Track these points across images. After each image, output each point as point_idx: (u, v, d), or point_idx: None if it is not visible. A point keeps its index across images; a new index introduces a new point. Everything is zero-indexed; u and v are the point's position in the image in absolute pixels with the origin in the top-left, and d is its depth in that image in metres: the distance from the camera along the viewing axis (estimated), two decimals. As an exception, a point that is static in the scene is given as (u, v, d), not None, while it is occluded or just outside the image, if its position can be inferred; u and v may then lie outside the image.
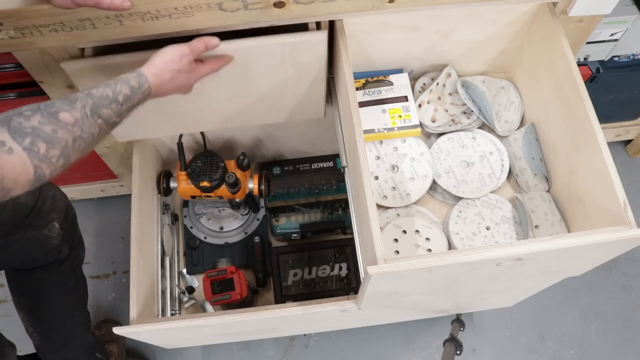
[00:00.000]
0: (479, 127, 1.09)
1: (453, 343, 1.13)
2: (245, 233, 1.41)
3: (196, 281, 1.39)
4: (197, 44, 0.81)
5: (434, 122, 1.09)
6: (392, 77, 1.08)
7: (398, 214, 1.02)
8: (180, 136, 1.22)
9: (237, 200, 1.29)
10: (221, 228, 1.41)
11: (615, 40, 1.22)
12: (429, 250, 0.99)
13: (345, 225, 1.40)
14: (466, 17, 0.96)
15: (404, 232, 0.99)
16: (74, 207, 1.13)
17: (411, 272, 0.71)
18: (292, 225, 1.40)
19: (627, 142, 1.71)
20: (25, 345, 1.14)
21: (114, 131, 0.74)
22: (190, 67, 0.81)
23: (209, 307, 1.36)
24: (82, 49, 0.90)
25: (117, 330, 0.94)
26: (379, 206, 1.02)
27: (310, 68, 0.96)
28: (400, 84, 1.08)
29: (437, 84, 1.09)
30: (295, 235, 1.40)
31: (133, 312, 1.02)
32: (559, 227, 0.96)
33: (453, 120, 1.09)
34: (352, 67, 0.88)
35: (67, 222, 1.08)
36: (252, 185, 1.24)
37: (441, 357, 1.10)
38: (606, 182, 0.80)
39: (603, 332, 1.47)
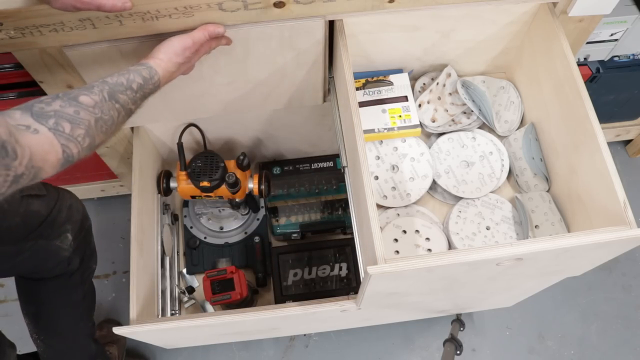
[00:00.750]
0: (479, 127, 1.09)
1: (453, 343, 1.13)
2: (245, 233, 1.41)
3: (196, 281, 1.39)
4: (200, 34, 0.82)
5: (434, 122, 1.09)
6: (392, 77, 1.08)
7: (398, 214, 1.02)
8: (180, 136, 1.22)
9: (237, 200, 1.29)
10: (221, 228, 1.41)
11: (615, 40, 1.22)
12: (429, 250, 0.99)
13: (345, 225, 1.40)
14: (466, 17, 0.96)
15: (404, 232, 0.99)
16: (89, 217, 1.12)
17: (411, 272, 0.71)
18: (292, 225, 1.40)
19: (627, 142, 1.71)
20: (25, 345, 1.14)
21: None
22: (192, 57, 0.83)
23: (209, 307, 1.36)
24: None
25: (117, 330, 0.94)
26: (379, 206, 1.02)
27: (309, 53, 0.96)
28: (400, 84, 1.08)
29: (437, 84, 1.09)
30: (295, 235, 1.40)
31: (133, 312, 1.02)
32: (559, 227, 0.96)
33: (453, 120, 1.09)
34: (352, 67, 0.88)
35: (81, 234, 1.07)
36: (252, 185, 1.24)
37: (441, 357, 1.10)
38: (606, 182, 0.80)
39: (603, 332, 1.47)
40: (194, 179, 1.18)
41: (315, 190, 1.40)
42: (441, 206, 1.05)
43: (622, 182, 0.79)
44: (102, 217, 1.60)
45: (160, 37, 0.86)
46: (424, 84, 1.12)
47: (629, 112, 1.50)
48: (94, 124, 0.63)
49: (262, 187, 1.24)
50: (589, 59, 1.29)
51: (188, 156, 1.21)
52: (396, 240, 0.99)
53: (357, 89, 1.07)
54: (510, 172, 1.05)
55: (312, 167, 1.43)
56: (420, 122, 1.07)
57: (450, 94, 1.09)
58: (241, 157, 1.21)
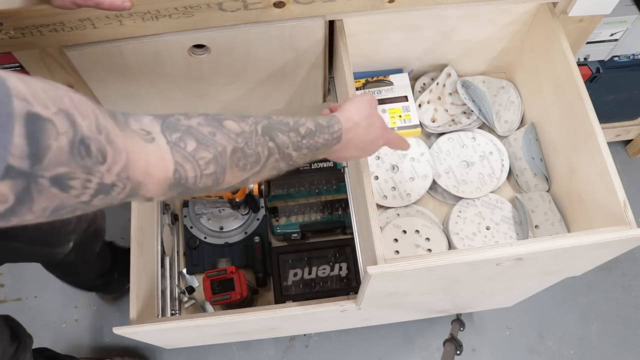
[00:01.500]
0: (479, 127, 1.09)
1: (453, 343, 1.13)
2: (245, 233, 1.41)
3: (196, 281, 1.39)
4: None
5: (434, 122, 1.09)
6: (392, 77, 1.08)
7: (398, 214, 1.02)
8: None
9: (237, 200, 1.29)
10: (221, 228, 1.41)
11: (615, 40, 1.22)
12: (429, 250, 0.99)
13: (345, 225, 1.40)
14: (466, 17, 0.96)
15: (404, 232, 0.99)
16: (99, 221, 1.13)
17: (411, 272, 0.71)
18: (292, 225, 1.40)
19: (627, 142, 1.71)
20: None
21: None
22: (380, 117, 0.72)
23: (209, 307, 1.36)
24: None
25: (117, 330, 0.94)
26: (379, 206, 1.02)
27: (309, 53, 0.96)
28: (400, 84, 1.08)
29: (437, 84, 1.09)
30: (295, 235, 1.40)
31: (133, 312, 1.02)
32: (559, 227, 0.96)
33: (453, 120, 1.09)
34: (352, 67, 0.88)
35: (82, 237, 1.08)
36: (252, 185, 1.24)
37: (441, 357, 1.10)
38: (606, 182, 0.80)
39: (603, 332, 1.47)
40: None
41: (315, 190, 1.40)
42: (441, 206, 1.05)
43: (622, 182, 0.79)
44: (102, 217, 1.60)
45: (161, 37, 0.86)
46: (424, 84, 1.12)
47: (629, 112, 1.50)
48: (229, 152, 0.51)
49: (262, 187, 1.24)
50: (589, 59, 1.29)
51: (188, 156, 1.21)
52: (396, 240, 0.99)
53: (357, 89, 1.07)
54: (510, 172, 1.06)
55: (312, 167, 1.43)
56: (420, 122, 1.07)
57: (450, 94, 1.09)
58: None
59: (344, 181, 1.02)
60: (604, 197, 0.82)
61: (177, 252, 1.41)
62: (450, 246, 1.00)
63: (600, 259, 0.86)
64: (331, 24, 0.92)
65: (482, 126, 1.10)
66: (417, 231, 0.99)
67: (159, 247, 1.24)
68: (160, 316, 1.18)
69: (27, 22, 0.78)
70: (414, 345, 1.45)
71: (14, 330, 1.00)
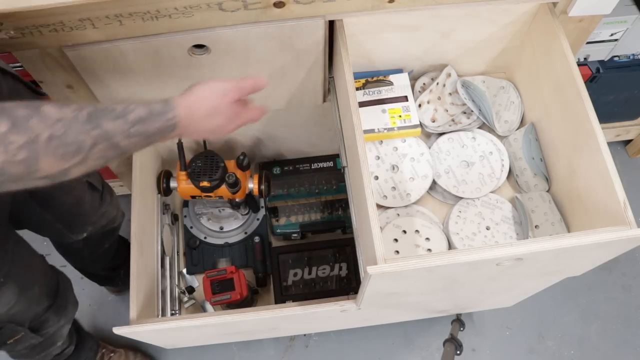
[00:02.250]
0: (479, 127, 1.09)
1: (453, 343, 1.13)
2: (245, 233, 1.41)
3: (196, 281, 1.39)
4: (244, 83, 0.71)
5: (434, 122, 1.09)
6: (392, 77, 1.08)
7: (398, 214, 1.02)
8: (180, 136, 1.22)
9: (237, 200, 1.29)
10: (221, 228, 1.41)
11: (615, 40, 1.22)
12: (429, 250, 0.99)
13: (345, 225, 1.40)
14: (466, 17, 0.96)
15: (404, 232, 0.99)
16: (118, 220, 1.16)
17: (411, 272, 0.71)
18: (292, 225, 1.40)
19: (627, 142, 1.71)
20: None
21: None
22: (231, 108, 0.70)
23: (209, 307, 1.36)
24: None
25: (117, 330, 0.94)
26: (379, 206, 1.02)
27: (309, 53, 0.96)
28: (400, 84, 1.08)
29: (437, 84, 1.09)
30: (295, 235, 1.40)
31: (133, 312, 1.02)
32: (559, 227, 0.96)
33: (453, 120, 1.09)
34: (352, 67, 0.88)
35: (98, 231, 1.10)
36: (252, 185, 1.24)
37: (441, 357, 1.10)
38: (606, 182, 0.80)
39: (603, 332, 1.47)
40: (194, 179, 1.18)
41: (315, 190, 1.40)
42: (441, 206, 1.05)
43: (622, 182, 0.79)
44: (102, 217, 1.60)
45: (161, 37, 0.87)
46: (424, 84, 1.12)
47: (629, 112, 1.50)
48: (44, 139, 0.49)
49: (262, 187, 1.24)
50: (589, 59, 1.29)
51: (188, 156, 1.21)
52: (396, 240, 0.99)
53: (357, 89, 1.07)
54: (510, 172, 1.05)
55: (312, 167, 1.43)
56: (420, 122, 1.07)
57: (450, 94, 1.09)
58: (241, 157, 1.21)
59: (344, 181, 1.01)
60: (604, 197, 0.82)
61: (177, 252, 1.41)
62: (450, 246, 1.00)
63: (600, 259, 0.86)
64: (331, 24, 0.92)
65: (482, 126, 1.09)
66: (417, 231, 1.00)
67: (159, 247, 1.24)
68: (160, 316, 1.18)
69: (27, 22, 0.78)
70: (414, 345, 1.45)
71: (60, 289, 1.01)
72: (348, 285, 1.36)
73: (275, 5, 0.82)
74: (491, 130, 1.08)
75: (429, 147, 1.06)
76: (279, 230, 1.40)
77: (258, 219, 1.42)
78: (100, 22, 0.80)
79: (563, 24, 0.93)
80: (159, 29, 0.84)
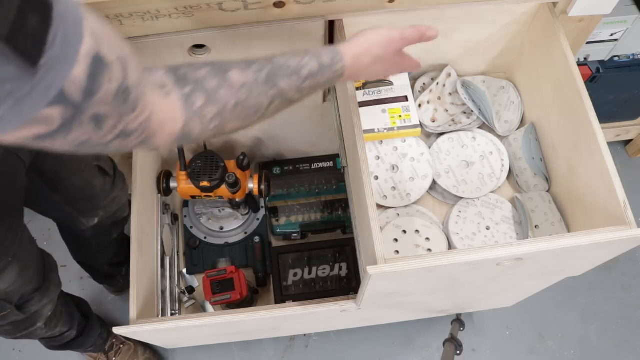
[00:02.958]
0: (479, 127, 1.09)
1: (453, 343, 1.13)
2: (245, 233, 1.41)
3: (196, 281, 1.39)
4: (411, 32, 0.71)
5: (434, 122, 1.09)
6: (392, 77, 1.08)
7: (398, 214, 1.02)
8: (180, 136, 1.22)
9: (237, 200, 1.29)
10: (221, 228, 1.41)
11: (615, 40, 1.22)
12: (429, 250, 0.99)
13: (345, 225, 1.40)
14: (466, 17, 0.96)
15: (404, 232, 0.99)
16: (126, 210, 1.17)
17: (411, 272, 0.71)
18: (292, 225, 1.40)
19: (627, 142, 1.71)
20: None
21: None
22: (394, 57, 0.71)
23: (209, 307, 1.36)
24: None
25: (117, 330, 0.94)
26: (379, 206, 1.02)
27: None
28: (400, 83, 1.08)
29: (437, 84, 1.09)
30: (295, 235, 1.40)
31: (133, 312, 1.02)
32: (559, 227, 0.96)
33: (453, 120, 1.09)
34: (352, 67, 0.88)
35: (108, 220, 1.12)
36: (252, 185, 1.24)
37: (441, 357, 1.10)
38: (606, 182, 0.80)
39: (603, 332, 1.47)
40: (194, 179, 1.18)
41: (315, 190, 1.40)
42: (441, 206, 1.05)
43: (622, 182, 0.79)
44: (102, 217, 1.60)
45: (161, 37, 0.86)
46: (424, 84, 1.12)
47: (629, 112, 1.50)
48: (231, 106, 0.54)
49: (262, 187, 1.24)
50: (589, 59, 1.29)
51: (188, 156, 1.21)
52: (396, 240, 0.99)
53: (357, 89, 1.07)
54: (510, 172, 1.06)
55: (312, 167, 1.43)
56: (420, 122, 1.07)
57: (450, 94, 1.09)
58: (241, 157, 1.21)
59: (344, 181, 1.02)
60: (604, 197, 0.82)
61: (177, 252, 1.41)
62: (450, 246, 1.00)
63: (600, 259, 0.86)
64: (331, 24, 0.92)
65: (482, 126, 1.09)
66: (417, 231, 1.00)
67: (159, 247, 1.24)
68: (160, 316, 1.18)
69: (27, 22, 0.78)
70: (414, 345, 1.45)
71: (46, 270, 1.02)
72: (348, 285, 1.36)
73: (275, 5, 0.82)
74: (491, 130, 1.08)
75: (429, 147, 1.06)
76: (279, 230, 1.40)
77: (258, 219, 1.42)
78: (100, 22, 0.80)
79: (563, 24, 0.93)
80: (159, 29, 0.84)
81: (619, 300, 1.51)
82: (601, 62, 1.29)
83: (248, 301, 1.29)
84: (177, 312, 1.30)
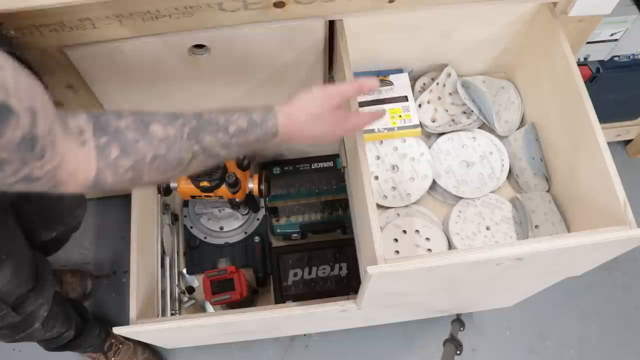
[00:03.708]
0: (479, 127, 1.09)
1: (453, 343, 1.13)
2: (245, 233, 1.41)
3: (196, 281, 1.39)
4: (347, 86, 0.70)
5: (434, 122, 1.09)
6: (392, 77, 1.08)
7: (398, 214, 1.02)
8: (180, 136, 1.22)
9: (237, 200, 1.29)
10: (221, 228, 1.41)
11: (615, 40, 1.22)
12: (429, 250, 0.99)
13: (345, 225, 1.40)
14: (466, 17, 0.96)
15: (404, 232, 0.99)
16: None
17: (411, 272, 0.71)
18: (292, 225, 1.40)
19: (627, 142, 1.70)
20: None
21: None
22: (334, 114, 0.68)
23: (209, 307, 1.36)
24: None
25: (117, 330, 0.94)
26: (379, 206, 1.02)
27: (309, 53, 0.96)
28: (400, 84, 1.08)
29: (437, 84, 1.09)
30: (296, 235, 1.40)
31: (133, 312, 1.02)
32: (559, 227, 0.96)
33: (453, 120, 1.09)
34: (352, 67, 0.88)
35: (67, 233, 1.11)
36: (252, 185, 1.24)
37: (441, 357, 1.10)
38: (606, 182, 0.80)
39: (603, 332, 1.47)
40: (193, 179, 1.18)
41: (315, 190, 1.40)
42: (441, 206, 1.05)
43: (622, 182, 0.79)
44: (102, 217, 1.60)
45: (161, 37, 0.86)
46: (424, 84, 1.12)
47: (629, 112, 1.50)
48: (149, 160, 0.54)
49: (262, 187, 1.24)
50: (589, 59, 1.29)
51: (188, 156, 1.21)
52: (396, 240, 0.99)
53: (357, 89, 1.07)
54: (510, 172, 1.06)
55: (312, 167, 1.43)
56: (420, 122, 1.07)
57: (450, 94, 1.09)
58: (241, 157, 1.21)
59: (344, 181, 1.02)
60: (604, 197, 0.82)
61: (177, 252, 1.41)
62: (450, 246, 1.00)
63: (600, 259, 0.86)
64: (331, 24, 0.92)
65: (482, 126, 1.09)
66: (417, 231, 1.00)
67: (159, 247, 1.24)
68: (160, 316, 1.18)
69: (27, 22, 0.78)
70: (414, 345, 1.45)
71: (39, 271, 1.01)
72: (348, 285, 1.36)
73: (276, 5, 0.82)
74: (491, 130, 1.08)
75: (429, 147, 1.06)
76: (279, 230, 1.40)
77: (258, 219, 1.42)
78: (100, 22, 0.80)
79: (563, 24, 0.93)
80: (159, 29, 0.84)
81: (619, 300, 1.51)
82: (601, 62, 1.29)
83: (248, 301, 1.29)
84: (177, 312, 1.30)
